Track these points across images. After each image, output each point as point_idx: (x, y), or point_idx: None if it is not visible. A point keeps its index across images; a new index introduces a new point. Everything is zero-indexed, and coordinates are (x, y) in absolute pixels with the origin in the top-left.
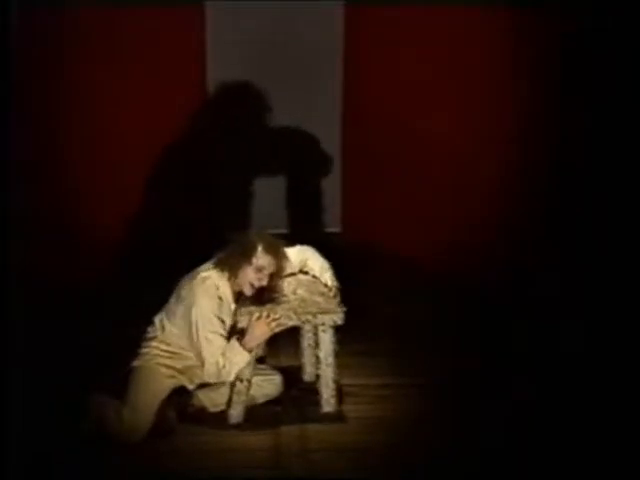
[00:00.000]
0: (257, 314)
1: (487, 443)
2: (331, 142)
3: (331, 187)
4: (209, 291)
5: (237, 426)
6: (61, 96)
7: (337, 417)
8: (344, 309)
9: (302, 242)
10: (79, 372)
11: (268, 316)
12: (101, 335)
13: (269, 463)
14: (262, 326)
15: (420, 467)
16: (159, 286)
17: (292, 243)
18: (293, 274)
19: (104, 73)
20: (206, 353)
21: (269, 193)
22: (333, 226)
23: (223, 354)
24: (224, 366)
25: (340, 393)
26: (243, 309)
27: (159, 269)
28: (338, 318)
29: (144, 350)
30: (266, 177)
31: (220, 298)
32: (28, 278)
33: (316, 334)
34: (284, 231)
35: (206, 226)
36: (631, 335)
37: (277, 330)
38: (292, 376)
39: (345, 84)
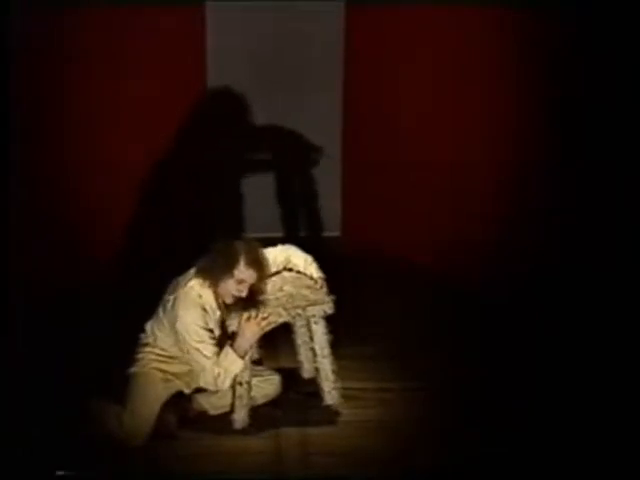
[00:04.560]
0: (246, 315)
1: (488, 446)
2: (331, 144)
3: (331, 191)
4: (191, 303)
5: (238, 430)
6: (61, 96)
7: (338, 421)
8: (333, 298)
9: (302, 246)
10: (80, 377)
11: (257, 316)
12: (102, 338)
13: (269, 467)
14: (252, 326)
15: (421, 471)
16: (159, 288)
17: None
18: (278, 273)
19: (104, 73)
20: (199, 362)
21: (268, 196)
22: (333, 230)
23: (217, 363)
24: (219, 374)
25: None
26: (233, 314)
27: (159, 271)
28: (328, 308)
29: (139, 356)
30: (265, 180)
31: (204, 308)
32: (28, 280)
33: (309, 329)
34: (281, 235)
35: (204, 228)
36: (632, 335)
37: (267, 329)
38: (292, 378)
39: (345, 85)
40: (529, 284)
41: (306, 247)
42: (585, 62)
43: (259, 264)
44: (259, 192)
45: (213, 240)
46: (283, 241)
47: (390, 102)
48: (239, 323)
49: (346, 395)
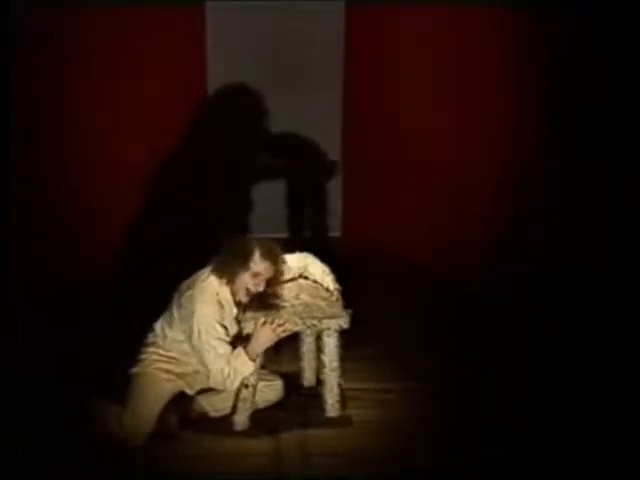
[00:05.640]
0: (262, 320)
1: (488, 446)
2: (332, 145)
3: (332, 191)
4: (209, 297)
5: (240, 431)
6: (61, 96)
7: (339, 422)
8: (349, 312)
9: (302, 246)
10: (80, 377)
11: (273, 322)
12: (102, 338)
13: (271, 468)
14: (268, 332)
15: (421, 471)
16: (159, 288)
17: (292, 248)
18: (294, 279)
19: (104, 73)
20: (210, 360)
21: (269, 197)
22: (333, 231)
23: (228, 362)
24: (229, 374)
25: (343, 398)
26: (248, 314)
27: (159, 271)
28: (344, 322)
29: (143, 356)
30: (266, 181)
31: (221, 304)
32: (28, 280)
33: (318, 339)
34: (284, 235)
35: (205, 228)
36: (632, 335)
37: (282, 336)
38: (293, 381)
39: (345, 85)
40: (529, 284)
41: (306, 248)
42: (585, 62)
43: (274, 256)
44: (259, 192)
45: (215, 240)
46: (283, 242)
47: (390, 102)
48: (255, 326)
49: (347, 396)
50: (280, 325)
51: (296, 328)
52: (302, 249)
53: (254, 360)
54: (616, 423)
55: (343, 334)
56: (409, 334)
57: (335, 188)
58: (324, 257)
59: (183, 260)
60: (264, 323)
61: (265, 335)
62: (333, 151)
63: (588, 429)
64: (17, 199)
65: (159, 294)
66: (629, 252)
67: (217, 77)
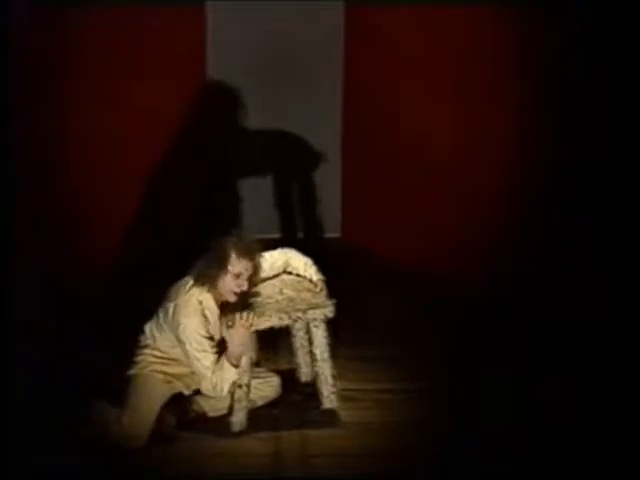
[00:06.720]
0: (229, 322)
1: (488, 448)
2: (332, 145)
3: (331, 191)
4: (192, 310)
5: (237, 432)
6: (61, 96)
7: (339, 422)
8: (334, 302)
9: (301, 247)
10: (80, 377)
11: (241, 318)
12: (102, 338)
13: (269, 468)
14: (239, 331)
15: (421, 472)
16: (158, 291)
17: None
18: (277, 276)
19: (104, 73)
20: (199, 370)
21: (269, 197)
22: (333, 231)
23: (214, 372)
24: (216, 384)
25: (339, 390)
26: (225, 319)
27: (158, 272)
28: (329, 311)
29: (138, 358)
30: (265, 181)
31: (205, 315)
32: (28, 280)
33: (307, 333)
34: (281, 236)
35: (205, 229)
36: (633, 335)
37: (254, 328)
38: (291, 380)
39: (345, 85)
40: (529, 284)
41: (306, 248)
42: (586, 62)
43: (250, 253)
44: (259, 193)
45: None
46: (283, 242)
47: (390, 102)
48: (226, 331)
49: (346, 396)
50: (247, 318)
51: (283, 323)
52: (302, 250)
53: (237, 364)
54: (616, 421)
55: (342, 336)
56: (409, 334)
57: (335, 188)
58: (324, 257)
59: (183, 262)
60: (230, 326)
61: (237, 335)
62: (333, 151)
63: (588, 427)
64: (17, 199)
65: (159, 295)
66: (629, 252)
67: (217, 77)
